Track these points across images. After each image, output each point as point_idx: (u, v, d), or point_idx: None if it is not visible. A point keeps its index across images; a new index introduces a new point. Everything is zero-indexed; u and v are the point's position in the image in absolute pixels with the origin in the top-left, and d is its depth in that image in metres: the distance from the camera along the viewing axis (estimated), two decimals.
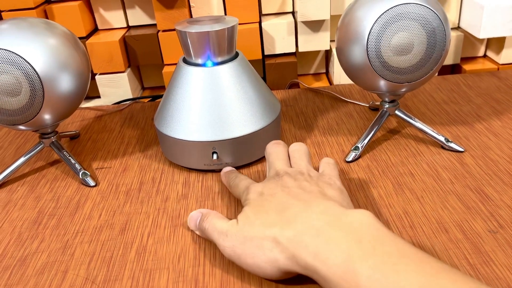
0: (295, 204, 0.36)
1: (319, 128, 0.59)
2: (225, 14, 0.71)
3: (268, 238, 0.34)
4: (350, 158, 0.51)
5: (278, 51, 0.73)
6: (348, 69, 0.51)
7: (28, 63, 0.44)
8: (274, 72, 0.73)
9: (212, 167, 0.51)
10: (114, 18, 0.73)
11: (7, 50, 0.44)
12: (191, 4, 0.70)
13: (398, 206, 0.43)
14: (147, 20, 0.74)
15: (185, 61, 0.52)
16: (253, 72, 0.52)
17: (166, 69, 0.72)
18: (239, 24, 0.70)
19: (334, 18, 0.72)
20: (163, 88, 0.80)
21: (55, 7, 0.68)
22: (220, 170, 0.51)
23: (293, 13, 0.74)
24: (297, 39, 0.72)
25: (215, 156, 0.49)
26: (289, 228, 0.33)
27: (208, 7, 0.70)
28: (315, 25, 0.71)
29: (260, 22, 0.71)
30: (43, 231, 0.44)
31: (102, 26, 0.74)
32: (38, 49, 0.45)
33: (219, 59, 0.50)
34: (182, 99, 0.50)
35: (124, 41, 0.72)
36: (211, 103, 0.49)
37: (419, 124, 0.53)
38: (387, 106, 0.54)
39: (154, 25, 0.74)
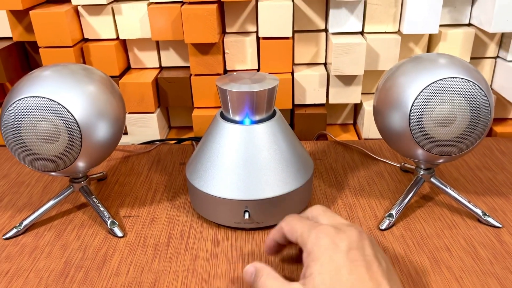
0: None
1: (350, 187, 0.58)
2: (259, 63, 0.71)
3: None
4: (384, 226, 0.50)
5: (308, 102, 0.73)
6: (385, 132, 0.51)
7: (68, 111, 0.44)
8: (303, 122, 0.72)
9: (242, 225, 0.50)
10: (147, 58, 0.74)
11: (47, 98, 0.44)
12: (225, 51, 0.70)
13: (436, 286, 0.42)
14: (179, 62, 0.75)
15: (222, 115, 0.52)
16: (289, 130, 0.52)
17: (195, 113, 0.72)
18: (272, 73, 0.70)
19: (366, 72, 0.72)
20: (190, 128, 0.80)
21: (92, 46, 0.69)
22: (250, 229, 0.50)
23: (325, 64, 0.74)
24: (328, 90, 0.72)
25: (246, 215, 0.48)
26: None
27: (243, 55, 0.71)
28: (347, 79, 0.70)
29: (292, 73, 0.71)
30: (70, 285, 0.43)
31: (135, 65, 0.75)
32: (77, 97, 0.45)
33: (257, 118, 0.50)
34: (217, 155, 0.49)
35: (156, 82, 0.72)
36: (246, 161, 0.49)
37: (455, 194, 0.52)
38: (422, 172, 0.53)
39: (186, 67, 0.75)
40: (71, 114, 0.44)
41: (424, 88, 0.45)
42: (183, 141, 0.73)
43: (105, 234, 0.50)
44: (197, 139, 0.71)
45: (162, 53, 0.74)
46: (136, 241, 0.49)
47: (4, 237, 0.50)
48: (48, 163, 0.46)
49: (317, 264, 0.34)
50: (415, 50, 0.72)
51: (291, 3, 0.66)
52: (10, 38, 0.72)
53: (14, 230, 0.50)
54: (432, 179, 0.53)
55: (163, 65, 0.75)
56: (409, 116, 0.46)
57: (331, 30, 0.69)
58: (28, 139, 0.45)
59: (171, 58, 0.74)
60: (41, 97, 0.44)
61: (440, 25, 0.70)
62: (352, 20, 0.68)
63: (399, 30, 0.69)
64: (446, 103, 0.45)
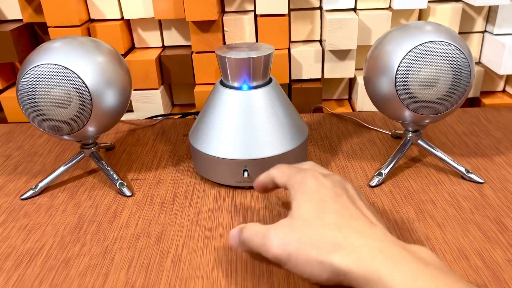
0: (359, 217, 0.35)
1: (343, 152, 0.62)
2: (257, 40, 0.75)
3: (329, 241, 0.33)
4: (374, 183, 0.54)
5: (304, 77, 0.76)
6: (375, 98, 0.54)
7: (80, 77, 0.48)
8: (300, 96, 0.76)
9: (242, 184, 0.53)
10: (150, 37, 0.77)
11: (60, 65, 0.48)
12: (225, 29, 0.74)
13: (420, 232, 0.46)
14: (181, 41, 0.78)
15: (222, 83, 0.55)
16: (284, 97, 0.56)
17: (197, 89, 0.76)
18: None
19: (359, 48, 0.75)
20: (192, 105, 0.84)
21: (98, 25, 0.73)
22: (249, 188, 0.54)
23: (320, 41, 0.77)
24: (323, 66, 0.75)
25: (245, 174, 0.52)
26: (353, 237, 0.33)
27: (241, 32, 0.74)
28: (341, 54, 0.74)
29: (289, 49, 0.74)
30: (84, 236, 0.47)
31: (139, 45, 0.78)
32: (88, 66, 0.49)
33: (254, 84, 0.54)
34: (218, 119, 0.53)
35: (160, 60, 0.76)
36: (244, 124, 0.52)
37: (440, 154, 0.56)
38: (410, 135, 0.56)
39: (188, 46, 0.78)
40: (83, 81, 0.48)
41: (409, 52, 0.49)
42: (187, 115, 0.77)
43: (115, 194, 0.54)
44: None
45: (164, 32, 0.77)
46: (144, 199, 0.53)
47: (21, 197, 0.54)
48: (61, 127, 0.50)
49: (304, 195, 0.37)
50: None
51: None
52: (20, 20, 0.76)
53: (30, 192, 0.54)
54: (419, 141, 0.56)
55: (165, 44, 0.79)
56: (395, 79, 0.50)
57: (325, 7, 0.72)
58: (42, 104, 0.48)
59: (173, 37, 0.78)
60: (55, 64, 0.48)
61: (429, 1, 0.73)
62: None
63: (390, 6, 0.72)
64: (429, 65, 0.49)
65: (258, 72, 0.53)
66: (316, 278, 0.34)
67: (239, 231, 0.39)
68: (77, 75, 0.48)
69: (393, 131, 0.66)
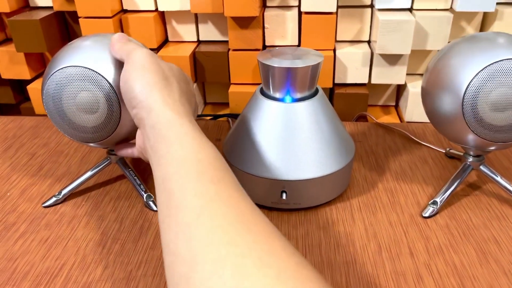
0: None
1: (391, 171, 0.56)
2: (300, 39, 0.69)
3: None
4: (427, 214, 0.48)
5: (349, 81, 0.70)
6: (434, 115, 0.48)
7: (108, 82, 0.44)
8: (343, 102, 0.70)
9: (279, 206, 0.49)
10: (185, 31, 0.73)
11: (87, 68, 0.44)
12: (265, 25, 0.68)
13: (483, 280, 0.40)
14: (218, 36, 0.73)
15: (262, 92, 0.50)
16: (331, 110, 0.50)
17: (232, 89, 0.71)
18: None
19: (413, 52, 0.68)
20: (225, 105, 0.79)
21: (131, 17, 0.68)
22: (286, 210, 0.49)
23: (369, 42, 0.70)
24: (371, 70, 0.69)
25: (284, 196, 0.47)
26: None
27: (283, 30, 0.68)
28: (392, 58, 0.67)
29: (334, 50, 0.68)
30: (107, 256, 0.44)
31: (173, 38, 0.73)
32: (118, 69, 0.44)
33: (299, 96, 0.48)
34: (256, 133, 0.48)
35: (194, 56, 0.71)
36: (285, 140, 0.47)
37: (505, 183, 0.49)
38: (471, 159, 0.50)
39: (224, 41, 0.73)
40: (111, 85, 0.44)
41: (481, 70, 0.42)
42: (219, 117, 0.72)
43: (141, 207, 0.50)
44: (233, 116, 0.70)
45: (200, 26, 0.72)
46: None
47: (43, 205, 0.51)
48: (87, 133, 0.46)
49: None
50: (467, 29, 0.67)
51: None
52: (51, 8, 0.72)
53: (53, 199, 0.51)
54: (481, 167, 0.50)
55: (201, 38, 0.74)
56: (463, 100, 0.43)
57: (377, 6, 0.65)
58: (68, 109, 0.44)
59: (209, 32, 0.73)
60: (82, 67, 0.44)
61: (497, 3, 0.65)
62: None
63: (451, 7, 0.65)
64: (504, 86, 0.42)
65: (304, 83, 0.47)
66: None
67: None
68: (106, 79, 0.44)
69: (448, 149, 0.59)
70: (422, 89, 0.50)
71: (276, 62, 0.46)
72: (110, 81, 0.44)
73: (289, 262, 0.27)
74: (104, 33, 0.49)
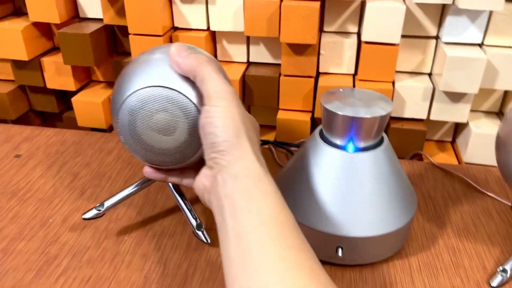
0: None
1: (452, 225, 0.52)
2: (356, 67, 0.65)
3: None
4: (495, 283, 0.44)
5: (406, 115, 0.65)
6: (508, 168, 0.44)
7: (190, 99, 0.40)
8: (398, 138, 0.66)
9: (333, 261, 0.45)
10: (235, 51, 0.70)
11: (167, 87, 0.40)
12: (321, 52, 0.65)
13: None
14: (269, 59, 0.70)
15: (321, 135, 0.47)
16: (396, 161, 0.46)
17: (280, 115, 0.68)
18: (370, 81, 0.64)
19: (480, 90, 0.63)
20: (270, 128, 0.75)
21: (181, 35, 0.66)
22: (343, 265, 0.46)
23: (430, 74, 0.66)
24: (431, 105, 0.65)
25: (340, 252, 0.44)
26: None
27: (339, 58, 0.65)
28: (455, 95, 0.63)
29: (393, 82, 0.64)
30: None
31: (222, 58, 0.71)
32: (192, 85, 0.40)
33: (362, 145, 0.44)
34: (313, 181, 0.45)
35: (243, 79, 0.68)
36: (345, 193, 0.44)
37: None
38: None
39: (275, 64, 0.70)
40: (193, 102, 0.40)
41: None
42: (266, 143, 0.69)
43: (186, 247, 0.48)
44: (278, 144, 0.67)
45: (251, 47, 0.69)
46: (219, 260, 0.46)
47: (83, 217, 0.48)
48: (162, 156, 0.42)
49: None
50: None
51: (404, 6, 0.58)
52: (100, 20, 0.71)
53: (94, 212, 0.48)
54: None
55: (251, 60, 0.70)
56: None
57: (444, 39, 0.61)
58: (144, 132, 0.41)
59: (260, 54, 0.70)
60: (161, 86, 0.40)
61: None
62: (472, 30, 0.60)
63: None
64: None
65: (369, 133, 0.44)
66: None
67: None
68: (187, 97, 0.40)
69: None
70: (498, 137, 0.45)
71: (342, 109, 0.43)
72: (191, 98, 0.40)
73: None
74: (167, 44, 0.45)
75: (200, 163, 0.41)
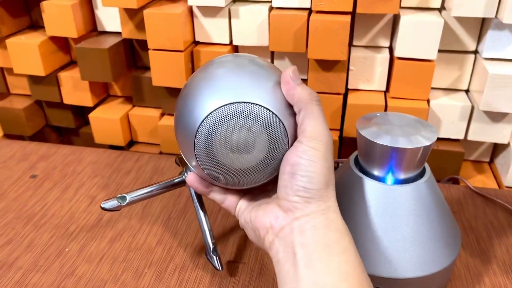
0: None
1: (498, 261, 0.47)
2: (388, 84, 0.61)
3: None
4: None
5: (442, 135, 0.61)
6: None
7: (275, 115, 0.36)
8: (433, 160, 0.61)
9: None
10: None
11: (246, 102, 0.35)
12: (350, 67, 0.61)
13: None
14: None
15: (357, 163, 0.43)
16: (440, 194, 0.42)
17: None
18: (403, 98, 0.60)
19: None
20: None
21: (203, 50, 0.63)
22: None
23: (467, 91, 0.62)
24: (469, 125, 0.60)
25: None
26: None
27: (370, 74, 0.61)
28: (496, 115, 0.58)
29: (428, 100, 0.60)
30: None
31: None
32: (273, 95, 0.36)
33: (403, 176, 0.41)
34: (348, 215, 0.41)
35: None
36: (384, 229, 0.40)
37: None
38: None
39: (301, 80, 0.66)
40: (278, 117, 0.36)
41: None
42: None
43: (209, 281, 0.45)
44: None
45: (276, 62, 0.66)
46: None
47: (102, 205, 0.42)
48: (238, 177, 0.37)
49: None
50: None
51: (443, 20, 0.54)
52: (118, 33, 0.68)
53: (115, 202, 0.43)
54: None
55: None
56: None
57: (484, 54, 0.56)
58: (220, 153, 0.36)
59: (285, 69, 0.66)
60: (240, 102, 0.35)
61: None
62: None
63: None
64: None
65: (411, 165, 0.40)
66: None
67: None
68: (272, 112, 0.36)
69: None
70: None
71: (381, 138, 0.39)
72: (274, 111, 0.36)
73: None
74: (227, 55, 0.41)
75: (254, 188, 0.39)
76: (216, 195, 0.41)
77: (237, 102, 0.35)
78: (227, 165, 0.37)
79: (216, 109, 0.35)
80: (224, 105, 0.35)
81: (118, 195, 0.43)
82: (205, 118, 0.36)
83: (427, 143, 0.39)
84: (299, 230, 0.34)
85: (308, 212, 0.34)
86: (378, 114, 0.44)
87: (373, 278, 0.40)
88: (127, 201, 0.43)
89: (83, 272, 0.46)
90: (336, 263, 0.32)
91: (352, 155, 0.45)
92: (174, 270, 0.46)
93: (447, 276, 0.43)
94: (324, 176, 0.34)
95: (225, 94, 0.36)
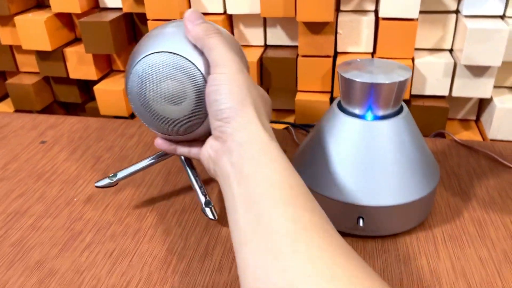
0: None
1: (478, 199, 0.50)
2: (375, 45, 0.64)
3: None
4: None
5: (427, 93, 0.64)
6: None
7: (197, 68, 0.40)
8: (420, 116, 0.64)
9: (354, 232, 0.45)
10: (252, 35, 0.70)
11: (176, 54, 0.40)
12: (338, 31, 0.64)
13: None
14: (286, 41, 0.70)
15: (340, 106, 0.46)
16: (416, 130, 0.46)
17: (299, 97, 0.68)
18: (390, 58, 0.63)
19: (503, 63, 0.61)
20: (289, 112, 0.75)
21: None
22: (364, 236, 0.45)
23: (451, 51, 0.65)
24: (452, 81, 0.63)
25: (361, 223, 0.43)
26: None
27: (357, 36, 0.64)
28: (478, 70, 0.61)
29: (413, 59, 0.63)
30: (172, 276, 0.42)
31: (240, 42, 0.71)
32: (204, 55, 0.40)
33: (381, 113, 0.44)
34: (332, 151, 0.44)
35: (261, 61, 0.68)
36: (365, 162, 0.43)
37: None
38: None
39: (293, 46, 0.70)
40: (200, 71, 0.40)
41: None
42: (280, 123, 0.69)
43: (206, 223, 0.48)
44: (295, 126, 0.67)
45: (268, 30, 0.69)
46: None
47: (96, 184, 0.49)
48: (170, 126, 0.42)
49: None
50: None
51: None
52: (120, 9, 0.72)
53: (107, 181, 0.49)
54: None
55: (268, 43, 0.71)
56: None
57: (464, 12, 0.60)
58: (152, 98, 0.41)
59: (277, 36, 0.70)
60: (169, 52, 0.40)
61: None
62: (493, 1, 0.58)
63: None
64: None
65: (388, 100, 0.43)
66: None
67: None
68: (195, 65, 0.40)
69: None
70: None
71: (359, 76, 0.43)
72: (199, 67, 0.40)
73: None
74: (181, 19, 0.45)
75: (208, 135, 0.40)
76: (182, 149, 0.44)
77: (160, 52, 0.40)
78: (159, 112, 0.41)
79: (141, 58, 0.40)
80: (146, 55, 0.40)
81: (110, 175, 0.49)
82: (135, 64, 0.41)
83: (402, 79, 0.42)
84: (228, 152, 0.35)
85: (231, 132, 0.35)
86: (359, 60, 0.47)
87: (356, 208, 0.43)
88: (118, 177, 0.49)
89: (90, 217, 0.50)
90: (263, 174, 0.32)
91: (335, 100, 0.48)
92: (174, 214, 0.50)
93: (427, 207, 0.46)
94: (235, 94, 0.36)
95: (149, 47, 0.41)
